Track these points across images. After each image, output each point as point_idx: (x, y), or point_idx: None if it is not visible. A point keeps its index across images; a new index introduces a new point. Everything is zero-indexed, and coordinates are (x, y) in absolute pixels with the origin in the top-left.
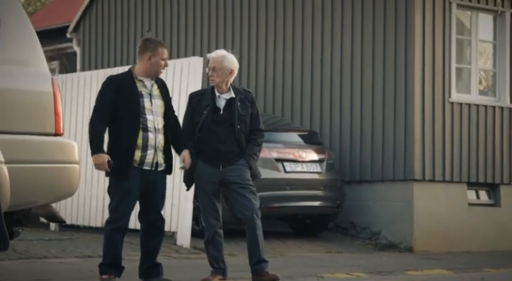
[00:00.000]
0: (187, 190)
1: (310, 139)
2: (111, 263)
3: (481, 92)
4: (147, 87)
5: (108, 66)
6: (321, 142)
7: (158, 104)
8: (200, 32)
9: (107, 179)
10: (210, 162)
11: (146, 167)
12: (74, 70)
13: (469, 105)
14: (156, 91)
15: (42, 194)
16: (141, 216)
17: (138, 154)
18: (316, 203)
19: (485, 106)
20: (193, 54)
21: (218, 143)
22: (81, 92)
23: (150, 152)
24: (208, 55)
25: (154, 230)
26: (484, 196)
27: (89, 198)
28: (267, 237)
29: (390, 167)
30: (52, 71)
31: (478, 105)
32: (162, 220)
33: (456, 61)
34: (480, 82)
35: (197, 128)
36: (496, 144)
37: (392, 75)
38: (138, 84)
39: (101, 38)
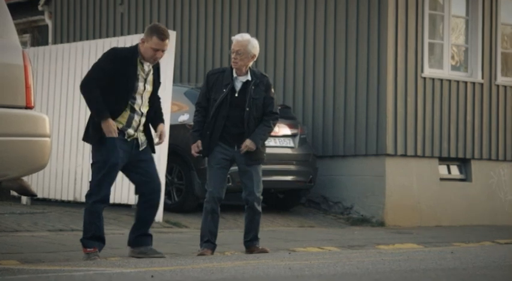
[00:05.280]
0: (203, 157)
1: (283, 114)
2: (94, 236)
3: (453, 68)
4: (144, 71)
5: (81, 39)
6: (293, 116)
7: (149, 90)
8: (173, 5)
9: (79, 153)
10: (225, 141)
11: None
12: (45, 43)
13: (441, 80)
14: (150, 77)
15: (13, 168)
16: (138, 189)
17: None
18: (289, 178)
19: (458, 81)
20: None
21: (230, 125)
22: (52, 65)
23: (131, 130)
24: (233, 37)
25: (152, 200)
26: (455, 170)
27: (61, 172)
28: (238, 211)
29: (363, 142)
30: (23, 44)
31: (450, 81)
32: (159, 191)
33: (429, 36)
34: (452, 57)
35: (215, 104)
36: (468, 119)
37: (365, 50)
38: (139, 67)
39: (72, 10)
